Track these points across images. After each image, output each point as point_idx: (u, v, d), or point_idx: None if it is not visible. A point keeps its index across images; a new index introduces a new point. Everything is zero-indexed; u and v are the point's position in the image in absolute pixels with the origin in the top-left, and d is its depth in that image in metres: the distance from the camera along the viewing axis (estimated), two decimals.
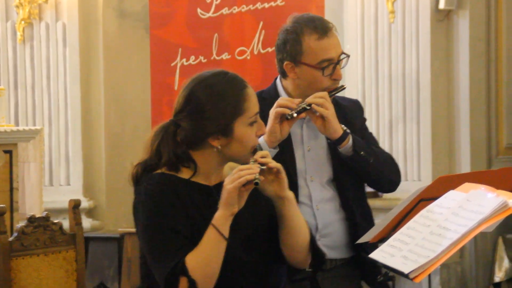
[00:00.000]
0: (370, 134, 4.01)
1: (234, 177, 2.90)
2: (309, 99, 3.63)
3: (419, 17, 7.31)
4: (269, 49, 7.07)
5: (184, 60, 7.12)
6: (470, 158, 7.21)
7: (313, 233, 3.67)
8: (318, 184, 3.81)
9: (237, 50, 7.16)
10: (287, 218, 3.07)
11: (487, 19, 7.35)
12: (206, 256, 2.88)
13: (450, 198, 3.38)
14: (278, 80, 3.88)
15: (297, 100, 3.65)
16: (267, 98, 3.78)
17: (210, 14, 7.17)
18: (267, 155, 3.00)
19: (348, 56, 3.81)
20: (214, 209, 2.92)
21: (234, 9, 7.17)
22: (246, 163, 2.99)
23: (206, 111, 2.98)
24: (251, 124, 3.04)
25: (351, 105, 3.97)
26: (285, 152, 3.72)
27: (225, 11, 7.16)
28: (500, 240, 7.14)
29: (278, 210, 3.07)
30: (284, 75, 3.81)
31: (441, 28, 7.32)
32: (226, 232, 2.89)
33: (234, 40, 7.19)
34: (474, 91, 7.28)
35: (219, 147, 3.00)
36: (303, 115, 3.66)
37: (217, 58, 7.16)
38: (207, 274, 2.88)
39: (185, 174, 3.01)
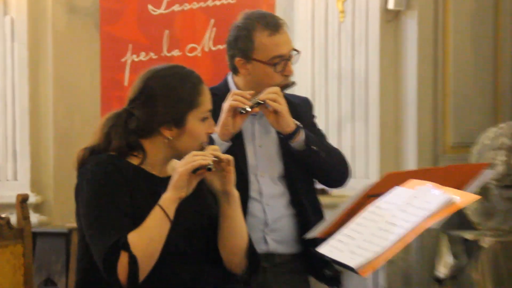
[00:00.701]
0: (319, 130, 4.06)
1: (187, 160, 2.95)
2: (263, 95, 3.67)
3: (369, 17, 7.35)
4: (220, 47, 7.08)
5: (134, 56, 7.14)
6: (416, 156, 7.28)
7: (263, 230, 3.74)
8: (269, 180, 3.85)
9: (188, 47, 7.19)
10: (229, 217, 3.11)
11: (435, 20, 7.40)
12: (150, 234, 2.90)
13: (398, 195, 3.45)
14: (229, 77, 3.92)
15: (250, 92, 3.69)
16: (218, 94, 3.78)
17: (161, 10, 7.19)
18: (217, 149, 3.04)
19: (299, 52, 3.87)
20: (158, 198, 2.95)
21: (185, 6, 7.20)
22: None
23: (160, 100, 3.02)
24: (203, 119, 3.09)
25: (301, 102, 4.02)
26: (236, 148, 3.75)
27: (176, 7, 7.18)
28: (445, 237, 7.22)
29: (221, 209, 3.11)
30: (235, 71, 3.85)
31: (390, 28, 7.37)
32: (171, 214, 2.93)
33: (185, 37, 7.22)
34: (422, 91, 7.34)
35: (170, 138, 3.03)
36: (256, 109, 3.70)
37: (167, 54, 7.19)
38: (149, 252, 2.89)
39: (133, 161, 3.04)
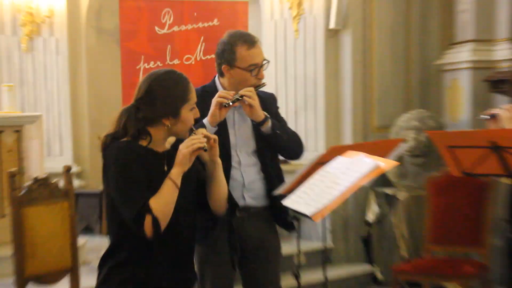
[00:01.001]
0: (282, 118, 4.06)
1: (188, 144, 3.00)
2: (241, 92, 3.69)
3: (316, 34, 7.35)
4: (208, 57, 7.06)
5: (146, 64, 7.08)
6: (351, 134, 7.31)
7: (241, 190, 3.77)
8: (245, 154, 3.86)
9: (185, 57, 7.15)
10: (215, 177, 3.16)
11: (363, 36, 7.40)
12: (165, 200, 2.94)
13: (339, 162, 3.48)
14: (216, 78, 3.92)
15: (232, 93, 3.72)
16: (209, 91, 3.83)
17: (164, 30, 7.14)
18: (205, 131, 3.10)
19: (268, 61, 3.87)
20: (162, 168, 3.01)
21: (182, 27, 7.16)
22: (185, 137, 3.07)
23: (160, 99, 3.03)
24: (192, 109, 3.11)
25: (268, 97, 4.01)
26: (222, 131, 3.76)
27: (175, 28, 7.14)
28: (372, 192, 7.23)
29: (209, 172, 3.17)
30: (221, 74, 3.85)
31: (332, 42, 7.36)
32: (179, 184, 2.97)
33: (183, 50, 7.17)
34: (355, 88, 7.35)
35: (169, 125, 3.05)
36: (236, 104, 3.71)
37: (170, 63, 7.14)
38: (166, 213, 2.93)
39: (142, 143, 3.05)
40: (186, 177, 3.03)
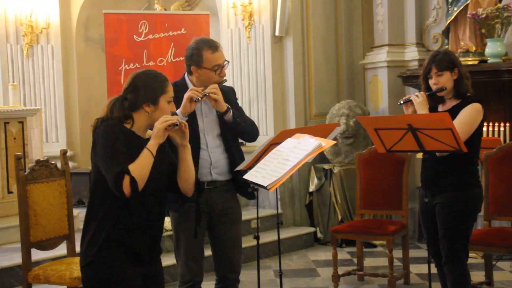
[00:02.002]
0: (240, 107, 4.00)
1: (162, 120, 2.92)
2: (207, 90, 3.64)
3: (264, 40, 7.29)
4: (178, 59, 7.00)
5: (126, 66, 6.98)
6: (295, 121, 7.29)
7: (209, 167, 3.71)
8: (212, 137, 3.78)
9: (158, 59, 7.05)
10: (184, 160, 3.04)
11: (302, 41, 7.39)
12: (142, 164, 2.84)
13: (289, 142, 3.43)
14: (186, 76, 3.86)
15: (201, 89, 3.65)
16: (179, 86, 3.75)
17: (141, 38, 7.03)
18: (179, 118, 2.98)
19: (228, 62, 3.84)
20: (142, 150, 2.88)
21: (156, 35, 7.07)
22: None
23: (141, 89, 2.94)
24: (169, 102, 3.00)
25: (229, 90, 3.94)
26: (192, 119, 3.69)
27: (150, 36, 7.04)
28: (312, 167, 7.21)
29: (180, 155, 3.04)
30: (190, 73, 3.80)
31: (277, 46, 7.32)
32: (154, 153, 2.88)
33: (156, 54, 7.07)
34: (297, 83, 7.33)
35: (149, 112, 2.95)
36: (204, 98, 3.64)
37: (146, 64, 7.05)
38: (142, 176, 2.83)
39: (127, 125, 2.96)
40: (159, 155, 2.93)
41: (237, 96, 4.07)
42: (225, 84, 3.83)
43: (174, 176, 3.06)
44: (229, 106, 3.73)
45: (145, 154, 2.85)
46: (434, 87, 3.94)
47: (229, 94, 3.86)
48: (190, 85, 3.76)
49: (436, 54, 3.97)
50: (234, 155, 3.80)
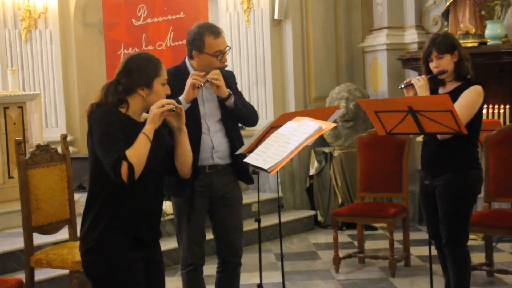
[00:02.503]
0: (240, 92, 4.00)
1: (158, 105, 2.90)
2: (209, 76, 3.64)
3: (263, 23, 7.27)
4: (177, 43, 6.97)
5: (125, 50, 6.97)
6: (294, 104, 7.29)
7: (211, 151, 3.74)
8: (213, 122, 3.79)
9: (157, 43, 7.03)
10: (181, 143, 3.02)
11: (301, 24, 7.37)
12: (139, 150, 2.82)
13: (289, 125, 3.45)
14: (186, 60, 3.85)
15: (203, 73, 3.65)
16: (180, 70, 3.77)
17: (140, 22, 7.01)
18: (175, 103, 2.94)
19: (230, 48, 3.85)
20: (137, 134, 2.86)
21: (155, 19, 7.04)
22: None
23: (135, 72, 2.91)
24: (163, 85, 2.98)
25: (228, 74, 3.92)
26: (194, 105, 3.69)
27: (149, 20, 7.01)
28: (312, 151, 7.22)
29: (176, 138, 3.03)
30: (191, 58, 3.79)
31: (276, 30, 7.30)
32: (151, 137, 2.87)
33: (155, 38, 7.05)
34: (296, 67, 7.33)
35: (144, 95, 2.92)
36: (206, 84, 3.64)
37: (145, 49, 7.04)
38: (139, 161, 2.81)
39: (122, 110, 2.93)
40: (156, 140, 2.92)
41: (236, 81, 4.08)
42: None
43: (171, 159, 3.06)
44: (231, 92, 3.73)
45: (141, 139, 2.84)
46: (435, 70, 3.93)
47: (229, 79, 3.85)
48: (191, 70, 3.75)
49: (436, 37, 3.97)
50: (234, 139, 3.80)
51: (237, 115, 3.79)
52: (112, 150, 2.77)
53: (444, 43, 3.91)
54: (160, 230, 3.09)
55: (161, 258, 3.11)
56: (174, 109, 2.90)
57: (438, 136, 3.86)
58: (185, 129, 3.03)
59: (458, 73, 3.93)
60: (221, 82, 3.64)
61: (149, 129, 2.86)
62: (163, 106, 2.88)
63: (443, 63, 3.91)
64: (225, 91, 3.68)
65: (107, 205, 2.87)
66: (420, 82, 3.94)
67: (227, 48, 3.74)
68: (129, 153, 2.78)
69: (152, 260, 3.03)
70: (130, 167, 2.76)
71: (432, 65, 3.94)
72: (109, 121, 2.83)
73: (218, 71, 3.66)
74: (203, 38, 3.67)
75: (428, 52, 3.94)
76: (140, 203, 2.91)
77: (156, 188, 2.99)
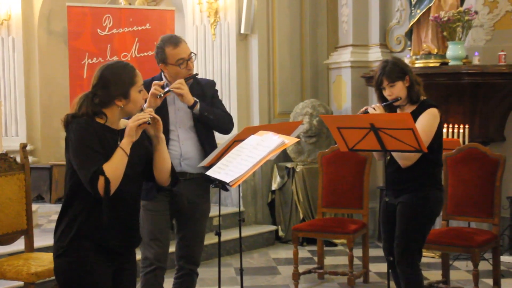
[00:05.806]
0: (220, 101, 4.05)
1: (135, 118, 2.90)
2: (170, 87, 3.71)
3: (230, 37, 7.28)
4: (142, 54, 6.92)
5: (89, 60, 6.87)
6: (259, 119, 7.29)
7: (179, 158, 3.79)
8: (183, 129, 3.84)
9: (122, 54, 6.96)
10: (159, 150, 3.04)
11: (267, 39, 7.40)
12: (116, 165, 2.83)
13: (252, 139, 3.46)
14: (162, 71, 3.90)
15: (162, 82, 3.75)
16: (157, 81, 3.81)
17: (105, 32, 6.93)
18: (152, 111, 2.98)
19: (195, 54, 3.90)
20: (116, 143, 2.88)
21: (120, 30, 6.97)
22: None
23: (112, 83, 2.90)
24: (140, 91, 2.98)
25: (207, 83, 4.02)
26: (163, 111, 3.73)
27: (114, 31, 6.94)
28: (275, 166, 7.22)
29: (154, 146, 3.04)
30: (162, 70, 3.86)
31: (242, 44, 7.31)
32: (128, 152, 2.87)
33: (120, 48, 6.99)
34: (261, 81, 7.35)
35: (122, 106, 2.92)
36: (168, 94, 3.70)
37: (110, 59, 6.94)
38: (116, 176, 2.82)
39: (100, 121, 2.92)
40: (135, 152, 2.91)
41: (217, 88, 4.11)
42: (206, 77, 3.86)
43: (149, 165, 3.06)
44: (197, 100, 3.76)
45: (118, 154, 2.84)
46: (389, 98, 3.97)
47: (206, 87, 3.93)
48: (165, 79, 3.83)
49: (385, 65, 3.98)
50: (206, 148, 3.82)
51: (205, 122, 3.83)
52: (90, 163, 2.78)
53: (394, 71, 3.93)
54: (138, 237, 3.08)
55: (133, 265, 3.09)
56: (149, 121, 2.91)
57: (401, 164, 3.88)
58: (162, 137, 3.04)
59: (410, 98, 3.96)
60: (184, 90, 3.70)
61: (125, 144, 2.87)
62: (139, 119, 2.89)
63: (395, 91, 3.94)
64: (190, 99, 3.73)
65: (79, 215, 2.87)
66: (376, 111, 3.95)
67: (192, 54, 3.80)
68: (106, 167, 2.79)
69: (122, 267, 3.01)
70: (107, 181, 2.77)
71: (385, 93, 3.97)
72: (85, 134, 2.83)
73: (181, 80, 3.73)
74: (164, 50, 3.75)
75: (380, 81, 3.98)
76: (114, 216, 2.90)
77: (133, 198, 3.00)
